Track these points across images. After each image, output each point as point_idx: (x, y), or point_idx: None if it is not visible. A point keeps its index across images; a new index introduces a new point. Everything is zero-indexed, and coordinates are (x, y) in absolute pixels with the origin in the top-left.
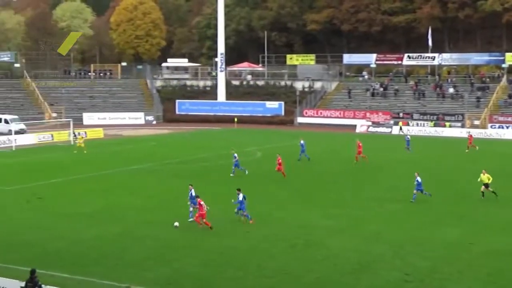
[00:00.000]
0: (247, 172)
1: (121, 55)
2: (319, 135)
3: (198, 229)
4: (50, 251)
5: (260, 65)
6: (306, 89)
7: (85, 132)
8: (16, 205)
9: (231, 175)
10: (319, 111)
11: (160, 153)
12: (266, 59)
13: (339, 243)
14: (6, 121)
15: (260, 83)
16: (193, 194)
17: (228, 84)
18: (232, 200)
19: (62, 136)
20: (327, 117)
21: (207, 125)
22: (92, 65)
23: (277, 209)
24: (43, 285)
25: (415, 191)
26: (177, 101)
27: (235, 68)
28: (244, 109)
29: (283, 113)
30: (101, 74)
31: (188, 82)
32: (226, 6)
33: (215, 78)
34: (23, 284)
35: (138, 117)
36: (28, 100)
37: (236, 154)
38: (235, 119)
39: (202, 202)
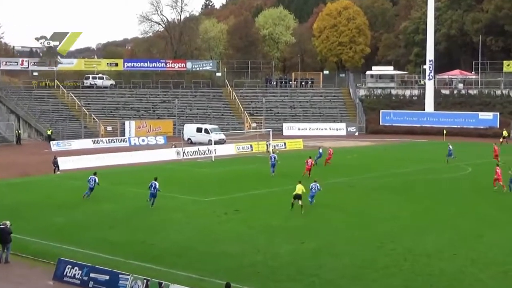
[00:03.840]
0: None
1: (323, 63)
2: None
3: (402, 249)
4: (246, 264)
5: (473, 72)
6: None
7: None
8: (214, 217)
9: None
10: None
11: (361, 166)
12: (480, 66)
13: None
14: (207, 131)
15: (473, 92)
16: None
17: (437, 93)
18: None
19: (262, 147)
20: None
21: (412, 137)
22: (293, 74)
23: (489, 229)
24: None
25: None
26: (381, 111)
27: (445, 76)
28: (454, 120)
29: (498, 125)
30: (303, 83)
31: (394, 91)
32: (436, 9)
33: (422, 86)
34: None
35: (339, 128)
36: (228, 110)
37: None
38: (444, 131)
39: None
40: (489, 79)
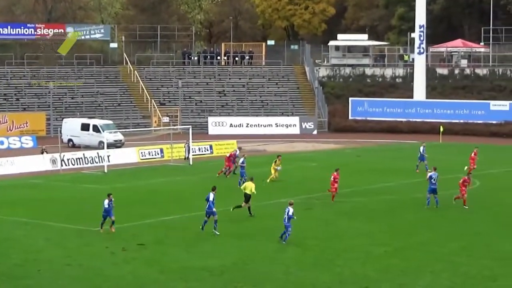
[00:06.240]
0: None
1: (267, 30)
2: None
3: None
4: None
5: (482, 44)
6: None
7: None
8: (107, 254)
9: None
10: None
11: (323, 179)
12: (491, 34)
13: None
14: (96, 129)
15: (482, 72)
16: None
17: (430, 73)
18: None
19: (178, 151)
20: None
21: (396, 137)
22: (223, 45)
23: (504, 269)
24: None
25: None
26: (350, 99)
27: (442, 48)
28: (454, 112)
29: None
30: (236, 59)
31: (369, 71)
32: None
33: (410, 64)
34: None
35: (291, 124)
36: (128, 97)
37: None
38: (441, 128)
39: None
40: (505, 54)
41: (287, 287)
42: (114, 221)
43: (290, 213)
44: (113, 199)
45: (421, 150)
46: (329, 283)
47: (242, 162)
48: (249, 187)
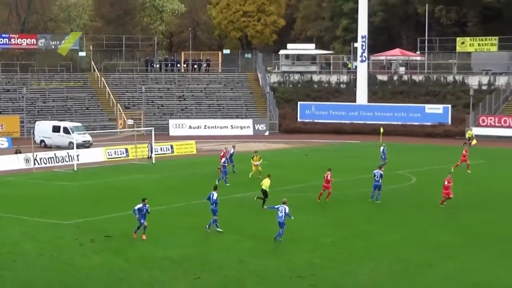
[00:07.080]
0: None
1: (222, 40)
2: (501, 154)
3: (326, 285)
4: None
5: (418, 52)
6: (484, 87)
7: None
8: (77, 246)
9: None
10: (502, 118)
11: (273, 176)
12: (426, 44)
13: None
14: (66, 130)
15: (418, 78)
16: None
17: (371, 79)
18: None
19: (141, 151)
20: None
21: (340, 138)
22: (183, 53)
23: (439, 257)
24: None
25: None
26: (299, 103)
27: (382, 57)
28: (393, 115)
29: (449, 121)
30: (195, 66)
31: (316, 77)
32: None
33: (353, 71)
34: None
35: (245, 126)
36: (95, 102)
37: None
38: (381, 130)
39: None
40: (439, 62)
41: (242, 274)
42: (146, 227)
43: (287, 211)
44: (148, 205)
45: (381, 150)
46: (279, 270)
47: (224, 162)
48: (266, 183)
